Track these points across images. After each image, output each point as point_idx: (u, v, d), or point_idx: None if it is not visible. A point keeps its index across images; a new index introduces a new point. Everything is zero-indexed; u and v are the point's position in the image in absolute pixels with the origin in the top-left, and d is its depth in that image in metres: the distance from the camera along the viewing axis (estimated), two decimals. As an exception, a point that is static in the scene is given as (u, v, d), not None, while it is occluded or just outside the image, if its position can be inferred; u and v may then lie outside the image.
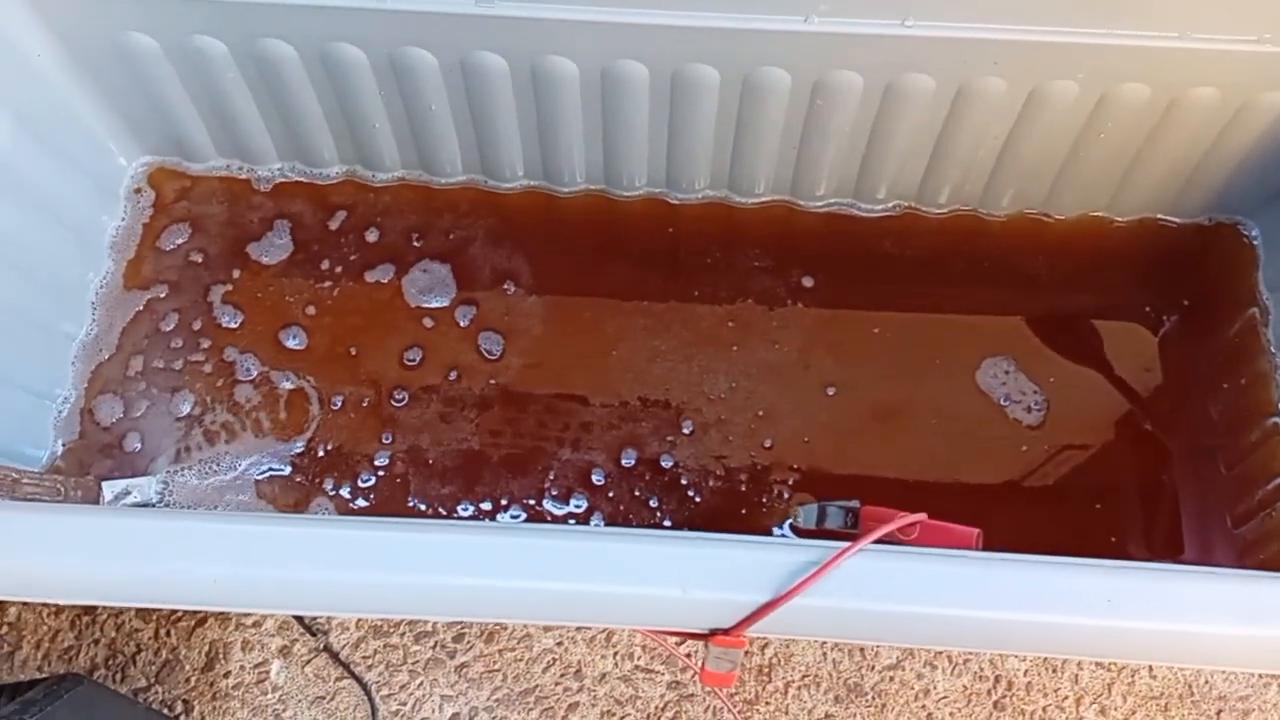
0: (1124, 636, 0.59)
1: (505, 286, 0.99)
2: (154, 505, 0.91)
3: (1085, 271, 1.02)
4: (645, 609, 0.60)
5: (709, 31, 0.85)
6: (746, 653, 0.94)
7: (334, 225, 1.04)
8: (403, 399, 0.95)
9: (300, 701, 1.00)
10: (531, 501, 0.92)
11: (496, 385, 0.96)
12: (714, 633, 0.61)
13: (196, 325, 0.99)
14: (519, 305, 0.99)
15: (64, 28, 0.90)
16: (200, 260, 1.02)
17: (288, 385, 0.96)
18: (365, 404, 0.95)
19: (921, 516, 0.69)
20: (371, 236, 1.03)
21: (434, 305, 0.99)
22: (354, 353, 0.97)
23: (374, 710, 0.99)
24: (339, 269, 1.02)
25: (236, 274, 1.02)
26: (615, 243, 1.03)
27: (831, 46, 0.86)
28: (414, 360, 0.97)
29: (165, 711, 0.99)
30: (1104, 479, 0.93)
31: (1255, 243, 1.02)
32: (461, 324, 0.98)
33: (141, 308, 1.00)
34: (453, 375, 0.96)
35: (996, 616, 0.59)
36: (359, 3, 0.86)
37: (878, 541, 0.61)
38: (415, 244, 1.02)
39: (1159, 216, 1.03)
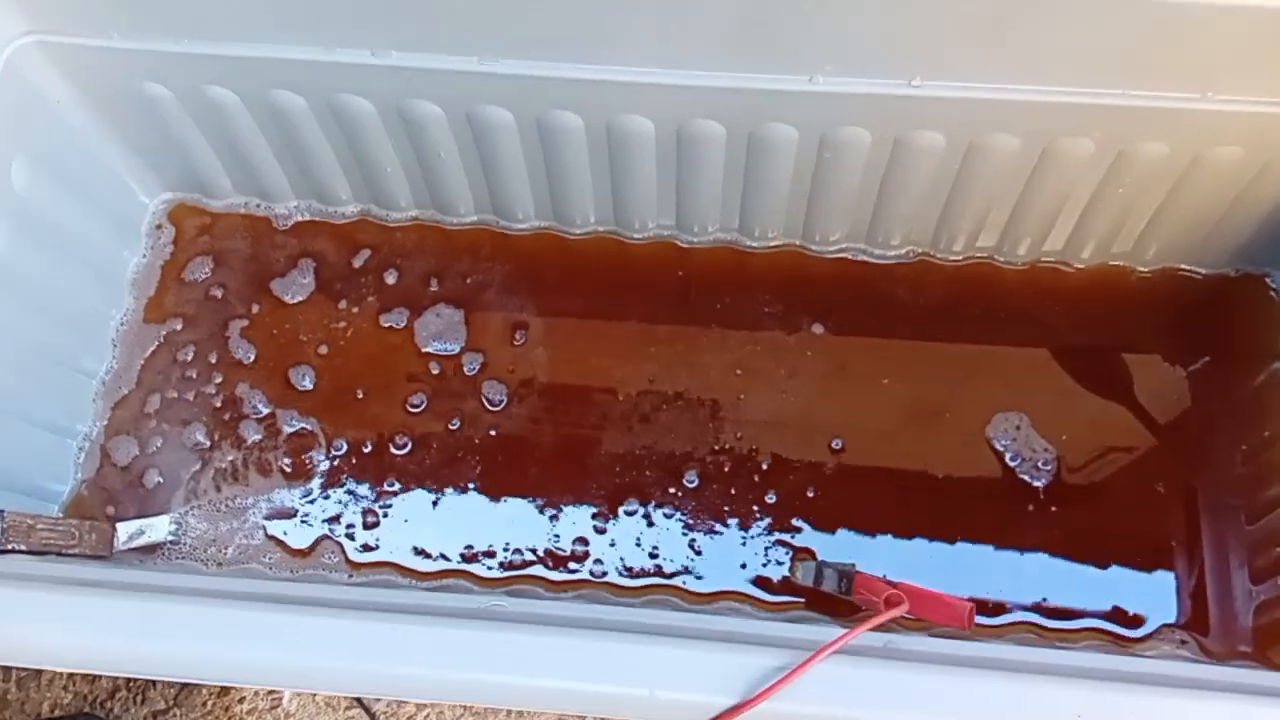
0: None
1: (516, 337, 1.00)
2: (166, 545, 0.94)
3: (1104, 322, 1.00)
4: (613, 706, 0.61)
5: (713, 90, 0.84)
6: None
7: (357, 264, 1.05)
8: (405, 445, 0.96)
9: (311, 729, 1.03)
10: (533, 549, 0.93)
11: (499, 434, 0.97)
12: (683, 729, 0.62)
13: (212, 358, 1.01)
14: (527, 355, 1.00)
15: (81, 77, 0.92)
16: (220, 295, 1.04)
17: (293, 427, 0.98)
18: (368, 449, 0.97)
19: (903, 608, 0.69)
20: (390, 278, 1.04)
21: (443, 352, 1.00)
22: (360, 396, 0.98)
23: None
24: (355, 309, 1.03)
25: (256, 309, 1.03)
26: (625, 285, 1.03)
27: (837, 105, 0.85)
28: (418, 406, 0.98)
29: (182, 738, 1.03)
30: (1115, 540, 0.92)
31: (1281, 296, 0.99)
32: (468, 371, 0.99)
33: (161, 341, 1.02)
34: (455, 424, 0.97)
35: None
36: (363, 59, 0.86)
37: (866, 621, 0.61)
38: (432, 288, 1.03)
39: (1182, 267, 1.01)
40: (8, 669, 1.05)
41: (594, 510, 0.93)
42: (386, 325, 1.02)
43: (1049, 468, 0.94)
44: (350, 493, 0.95)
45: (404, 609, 0.66)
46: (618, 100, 0.87)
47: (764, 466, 0.94)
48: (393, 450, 0.96)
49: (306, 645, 0.63)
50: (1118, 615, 0.90)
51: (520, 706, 0.63)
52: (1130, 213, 0.94)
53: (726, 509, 0.93)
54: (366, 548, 0.93)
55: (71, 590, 0.68)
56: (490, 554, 0.92)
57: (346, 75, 0.88)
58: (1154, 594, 0.91)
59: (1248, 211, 0.93)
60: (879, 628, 0.67)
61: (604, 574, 0.91)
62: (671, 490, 0.94)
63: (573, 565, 0.91)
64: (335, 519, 0.95)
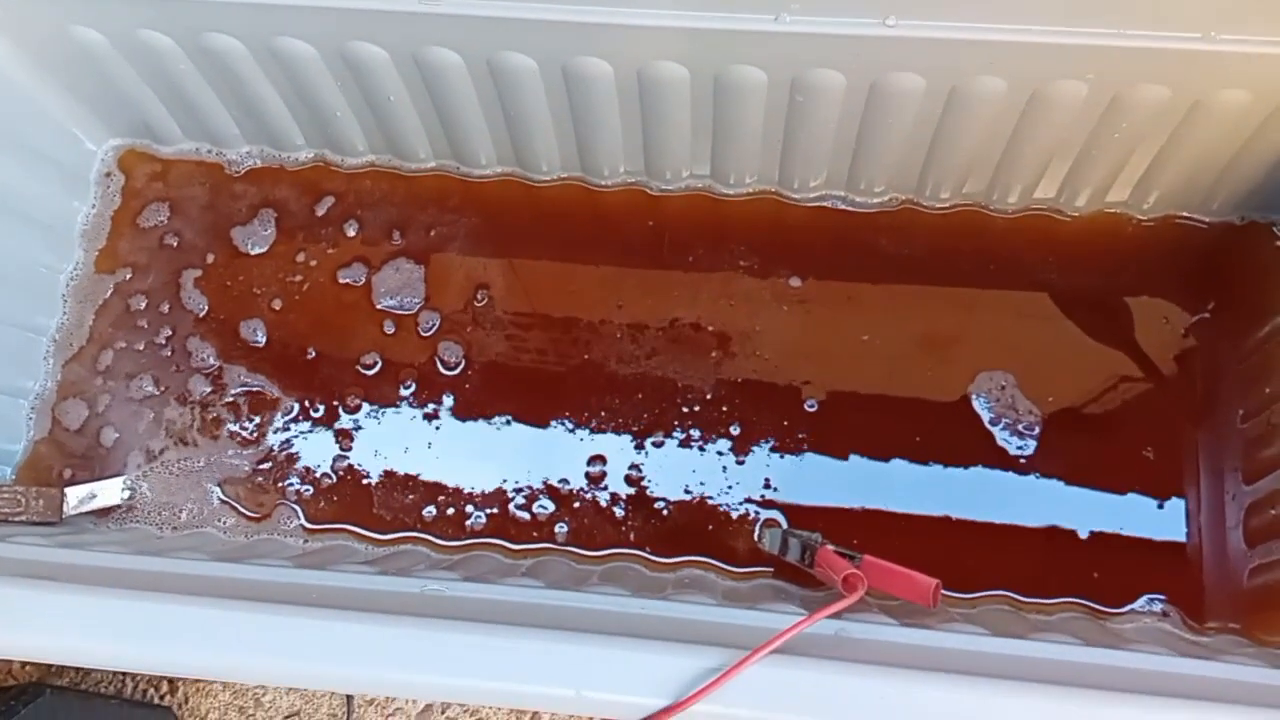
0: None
1: (477, 296, 0.95)
2: (119, 507, 0.91)
3: (1100, 273, 0.94)
4: (541, 703, 0.58)
5: (672, 31, 0.78)
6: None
7: (319, 213, 1.00)
8: (358, 405, 0.93)
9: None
10: (495, 511, 0.90)
11: (458, 396, 0.93)
12: (617, 727, 0.59)
13: (164, 309, 0.98)
14: (487, 312, 0.95)
15: (11, 25, 0.87)
16: (175, 244, 1.00)
17: (245, 385, 0.95)
18: (321, 411, 0.93)
19: (858, 596, 0.65)
20: (351, 230, 0.99)
21: (400, 310, 0.96)
22: (311, 356, 0.95)
23: (349, 699, 1.01)
24: (314, 262, 0.98)
25: (211, 258, 1.00)
26: (594, 236, 0.98)
27: (806, 45, 0.78)
28: (371, 368, 0.94)
29: (151, 691, 1.02)
30: (1101, 506, 0.87)
31: (1290, 245, 0.92)
32: (424, 332, 0.95)
33: (113, 291, 0.99)
34: (409, 386, 0.93)
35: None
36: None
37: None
38: (394, 241, 0.98)
39: (1183, 215, 0.94)
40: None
41: (557, 474, 0.90)
42: (345, 281, 0.97)
43: (1033, 430, 0.89)
44: (304, 455, 0.92)
45: (342, 595, 0.64)
46: (573, 42, 0.81)
47: (734, 430, 0.90)
48: (345, 411, 0.93)
49: (240, 642, 0.61)
50: (1098, 584, 0.86)
51: (446, 700, 0.60)
52: (1128, 159, 0.88)
53: (694, 471, 0.89)
54: (321, 512, 0.91)
55: (13, 583, 0.65)
56: (449, 520, 0.89)
57: (282, 17, 0.83)
58: (1140, 562, 0.87)
59: (1255, 158, 0.86)
60: (853, 607, 0.64)
61: (566, 539, 0.88)
62: (638, 451, 0.90)
63: (533, 531, 0.88)
64: (289, 482, 0.92)
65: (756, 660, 0.55)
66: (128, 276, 0.99)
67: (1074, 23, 0.75)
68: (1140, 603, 0.85)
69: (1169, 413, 0.91)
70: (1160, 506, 0.88)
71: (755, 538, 0.88)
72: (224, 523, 0.91)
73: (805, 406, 0.90)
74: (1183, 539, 0.88)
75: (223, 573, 0.70)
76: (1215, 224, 0.94)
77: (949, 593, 0.83)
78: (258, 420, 0.94)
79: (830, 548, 0.78)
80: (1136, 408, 0.91)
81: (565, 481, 0.90)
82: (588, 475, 0.90)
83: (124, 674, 1.03)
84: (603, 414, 0.92)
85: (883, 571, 0.74)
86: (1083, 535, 0.87)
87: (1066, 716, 0.54)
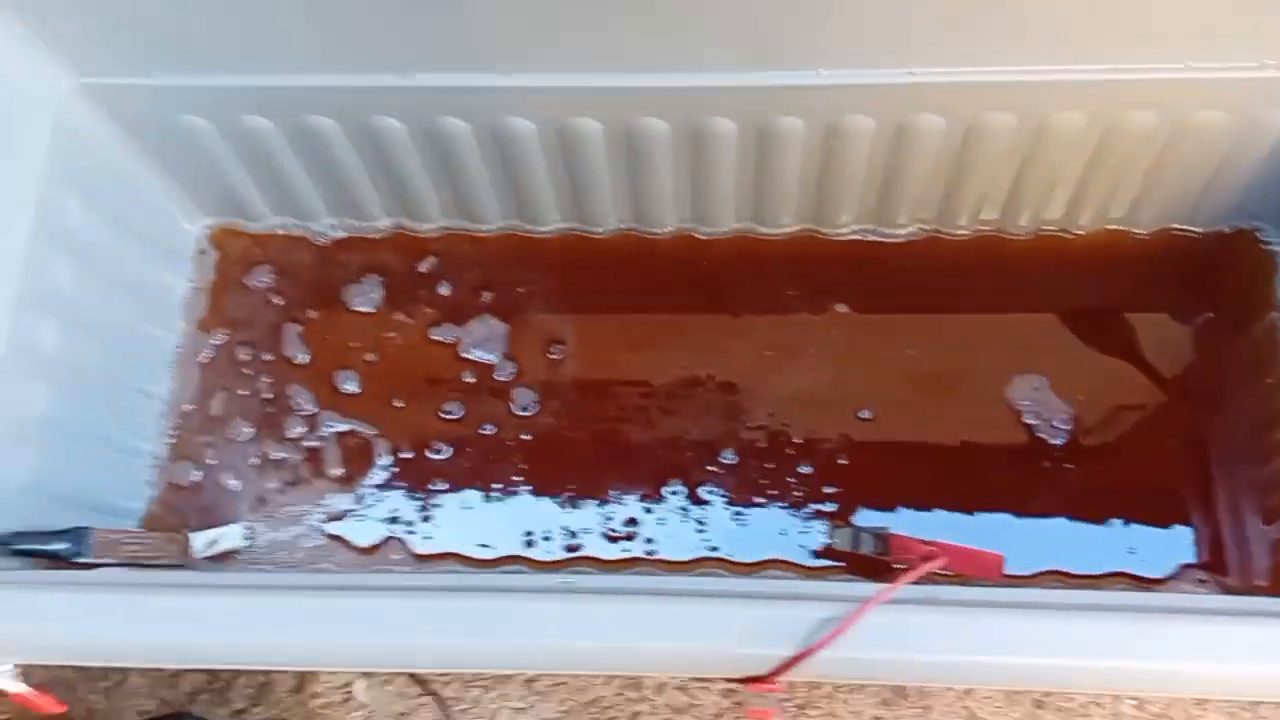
0: (1139, 676, 0.64)
1: (551, 347, 1.06)
2: (241, 550, 0.99)
3: (1108, 284, 1.05)
4: (686, 662, 0.66)
5: (724, 90, 0.90)
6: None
7: (412, 273, 1.11)
8: (447, 446, 1.02)
9: (384, 717, 1.09)
10: (586, 531, 0.98)
11: (544, 429, 1.02)
12: (750, 679, 0.67)
13: (267, 357, 1.07)
14: (562, 353, 1.05)
15: (126, 115, 0.97)
16: (281, 303, 1.10)
17: (340, 429, 1.03)
18: (412, 454, 1.03)
19: (942, 560, 0.74)
20: (444, 290, 1.09)
21: (483, 360, 1.05)
22: (400, 405, 1.04)
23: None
24: (410, 321, 1.08)
25: (313, 315, 1.09)
26: (649, 278, 1.09)
27: (840, 96, 0.90)
28: (451, 414, 1.04)
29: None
30: (1128, 492, 0.97)
31: (1275, 249, 1.04)
32: (501, 378, 1.05)
33: (213, 353, 1.08)
34: (488, 429, 1.03)
35: (1017, 662, 0.64)
36: (391, 81, 0.91)
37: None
38: (483, 298, 1.08)
39: (1177, 226, 1.06)
40: (93, 682, 1.11)
41: (639, 493, 0.99)
42: (436, 339, 1.07)
43: (1067, 426, 0.99)
44: (402, 493, 1.01)
45: (477, 589, 0.72)
46: (635, 105, 0.92)
47: (797, 440, 1.00)
48: (439, 453, 1.02)
49: (384, 625, 0.68)
50: (1139, 562, 0.95)
51: (594, 671, 0.68)
52: (1124, 179, 1.00)
53: (764, 482, 0.99)
54: (426, 543, 0.99)
55: (157, 591, 0.73)
56: (545, 540, 0.98)
57: (377, 97, 0.94)
58: (1173, 540, 0.96)
59: (1236, 170, 0.98)
60: (919, 581, 0.72)
61: (654, 552, 0.97)
62: (711, 469, 0.99)
63: (624, 545, 0.97)
64: (393, 518, 1.00)
65: (875, 607, 0.64)
66: (233, 334, 1.09)
67: (1070, 61, 0.87)
68: (1180, 573, 0.94)
69: (1184, 407, 1.01)
70: (1187, 490, 0.98)
71: (827, 537, 0.96)
72: (337, 559, 0.99)
73: (859, 416, 1.00)
74: (1210, 520, 0.97)
75: (357, 580, 0.78)
76: (1207, 233, 1.05)
77: (1006, 574, 0.91)
78: (357, 463, 1.02)
79: (901, 535, 0.88)
80: (1154, 405, 1.01)
81: (647, 500, 0.99)
82: (667, 493, 0.99)
83: (244, 708, 1.09)
84: (675, 439, 1.01)
85: (952, 551, 0.83)
86: (1120, 520, 0.96)
87: (1146, 634, 0.63)
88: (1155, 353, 1.03)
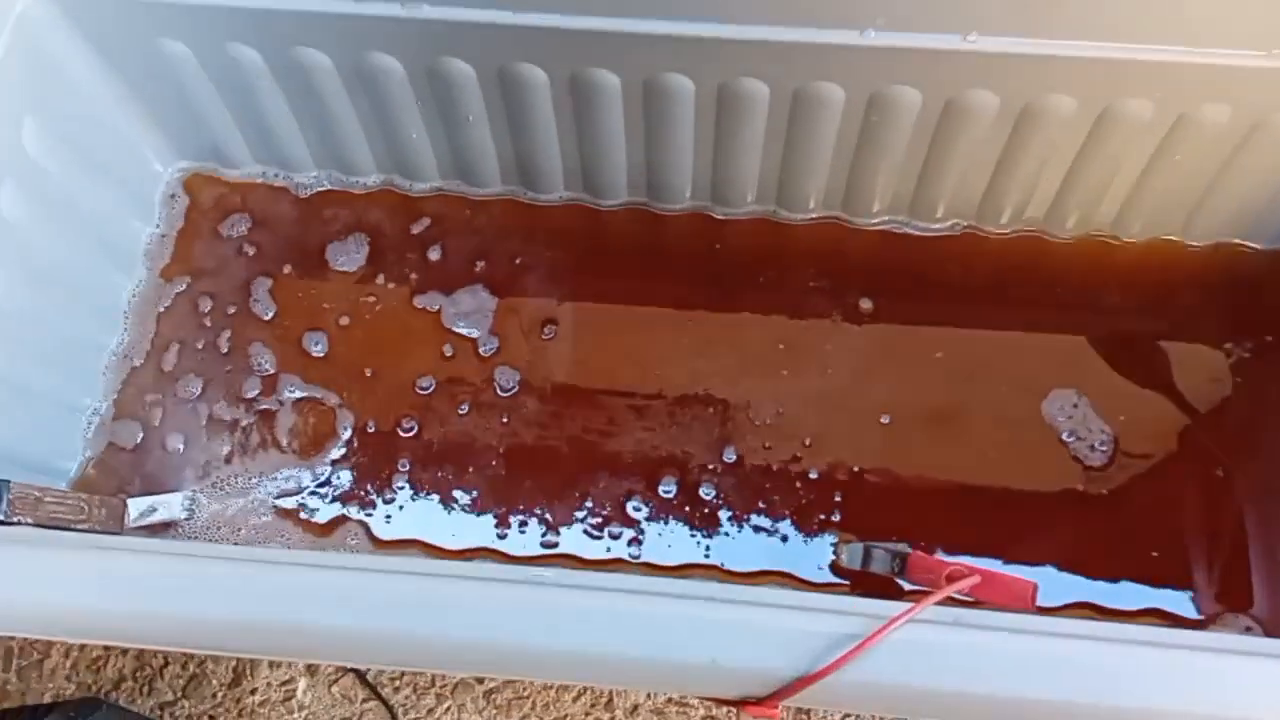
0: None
1: (544, 326, 0.96)
2: (180, 523, 0.89)
3: (1158, 298, 0.96)
4: (671, 676, 0.56)
5: (758, 45, 0.81)
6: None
7: (415, 231, 1.01)
8: (411, 428, 0.92)
9: (326, 722, 0.98)
10: (566, 525, 0.88)
11: (521, 414, 0.92)
12: (745, 701, 0.57)
13: (231, 310, 0.98)
14: (557, 333, 0.96)
15: (97, 34, 0.88)
16: (252, 253, 1.00)
17: (300, 395, 0.94)
18: (377, 429, 0.92)
19: (975, 579, 0.64)
20: (434, 255, 1.00)
21: (467, 334, 0.96)
22: (369, 374, 0.94)
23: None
24: (392, 286, 0.98)
25: (288, 270, 1.00)
26: (658, 259, 0.99)
27: (889, 61, 0.81)
28: (427, 389, 0.94)
29: (197, 725, 0.98)
30: (1169, 524, 0.87)
31: (1343, 270, 0.95)
32: (485, 353, 0.95)
33: (172, 302, 0.98)
34: (465, 407, 0.93)
35: (1057, 699, 0.54)
36: (393, 11, 0.83)
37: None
38: (476, 268, 0.99)
39: (1237, 241, 0.97)
40: (8, 658, 1.00)
41: (628, 488, 0.89)
42: (420, 306, 0.97)
43: (1106, 449, 0.89)
44: (365, 471, 0.91)
45: (441, 574, 0.62)
46: (658, 56, 0.83)
47: (807, 442, 0.90)
48: (409, 431, 0.92)
49: (336, 603, 0.59)
50: (1176, 599, 0.85)
51: (561, 679, 0.58)
52: (1186, 183, 0.91)
53: (768, 486, 0.89)
54: (387, 527, 0.89)
55: (82, 551, 0.64)
56: (521, 532, 0.88)
57: (375, 30, 0.85)
58: (1213, 578, 0.86)
59: (1308, 181, 0.89)
60: (944, 603, 0.63)
61: (639, 555, 0.87)
62: (710, 466, 0.89)
63: (608, 543, 0.87)
64: (352, 496, 0.90)
65: (902, 623, 0.54)
66: (197, 283, 0.99)
67: (1145, 39, 0.78)
68: (1222, 616, 0.84)
69: (1230, 436, 0.91)
70: (1229, 527, 0.88)
71: (833, 554, 0.86)
72: (287, 538, 0.89)
73: (880, 421, 0.91)
74: (1255, 560, 0.87)
75: (309, 558, 0.68)
76: (1267, 250, 0.97)
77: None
78: (317, 434, 0.92)
79: (921, 553, 0.78)
80: (1198, 431, 0.92)
81: (636, 496, 0.89)
82: (659, 490, 0.89)
83: (173, 699, 0.98)
84: (673, 429, 0.91)
85: (980, 573, 0.73)
86: (1158, 552, 0.87)
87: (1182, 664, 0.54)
88: (1203, 376, 0.93)
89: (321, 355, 0.95)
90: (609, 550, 0.87)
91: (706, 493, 0.89)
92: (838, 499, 0.88)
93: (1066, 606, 0.83)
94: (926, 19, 0.78)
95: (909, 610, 0.55)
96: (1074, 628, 0.60)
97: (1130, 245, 0.98)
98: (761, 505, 0.88)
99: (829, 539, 0.87)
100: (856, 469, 0.89)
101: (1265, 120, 0.83)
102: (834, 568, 0.86)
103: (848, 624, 0.55)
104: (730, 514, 0.88)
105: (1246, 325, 0.95)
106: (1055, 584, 0.84)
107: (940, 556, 0.77)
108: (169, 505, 0.89)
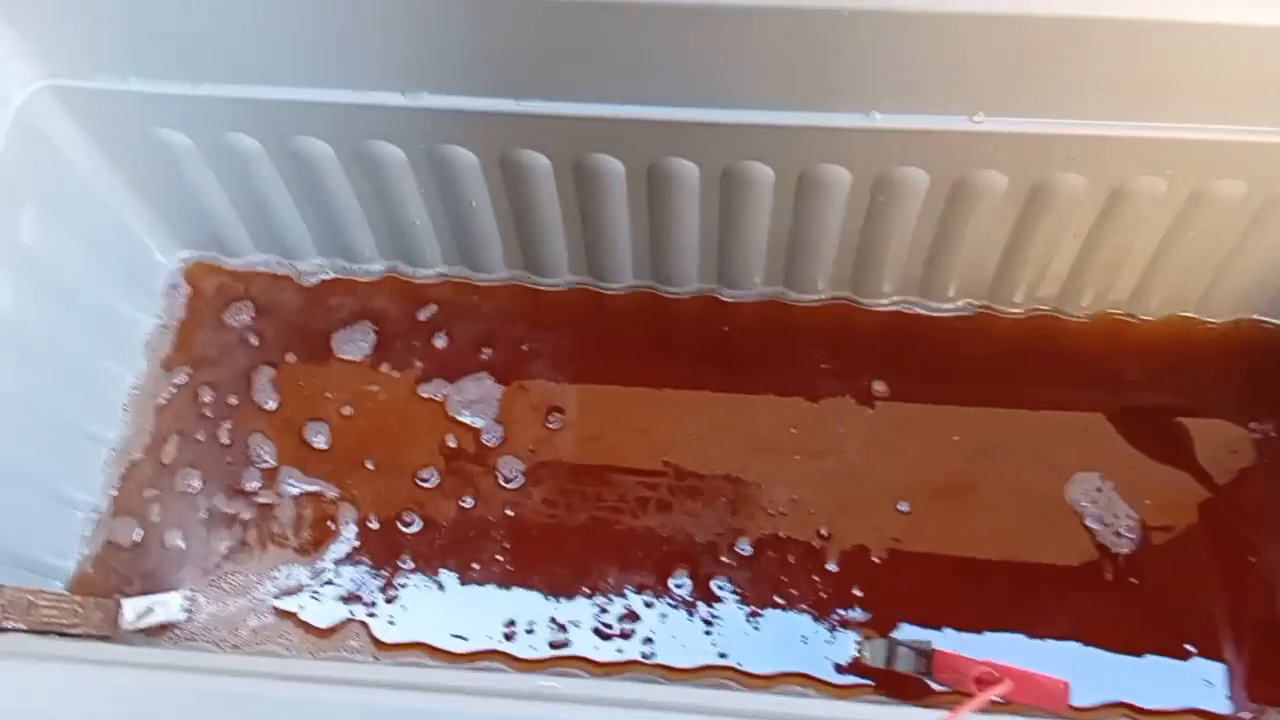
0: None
1: (550, 417, 0.94)
2: (179, 625, 0.86)
3: (1177, 377, 0.94)
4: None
5: (762, 129, 0.80)
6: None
7: (412, 323, 1.00)
8: (413, 523, 0.90)
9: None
10: (576, 624, 0.85)
11: (527, 507, 0.90)
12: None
13: (233, 400, 0.96)
14: (563, 420, 0.94)
15: (96, 123, 0.88)
16: (258, 344, 0.99)
17: (300, 489, 0.92)
18: (379, 525, 0.90)
19: (1008, 685, 0.61)
20: (440, 342, 0.98)
21: (472, 423, 0.94)
22: (371, 466, 0.92)
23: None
24: (396, 374, 0.97)
25: (291, 359, 0.98)
26: (666, 343, 0.98)
27: (895, 143, 0.80)
28: (427, 482, 0.92)
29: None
30: (1202, 612, 0.84)
31: (1365, 346, 0.93)
32: (489, 442, 0.93)
33: (172, 393, 0.97)
34: (469, 502, 0.90)
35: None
36: (394, 101, 0.82)
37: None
38: (482, 355, 0.97)
39: (1255, 317, 0.95)
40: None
41: (639, 584, 0.86)
42: (426, 396, 0.95)
43: (1133, 535, 0.86)
44: (367, 568, 0.88)
45: (444, 688, 0.59)
46: (662, 141, 0.83)
47: (824, 532, 0.87)
48: (410, 525, 0.90)
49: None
50: (1215, 697, 0.81)
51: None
52: (1201, 260, 0.89)
53: (784, 579, 0.86)
54: (390, 628, 0.86)
55: (75, 666, 0.61)
56: (529, 632, 0.84)
57: (376, 119, 0.84)
58: (1253, 674, 0.82)
59: (1329, 255, 0.87)
60: (980, 709, 0.60)
61: (653, 654, 0.83)
62: (724, 560, 0.86)
63: (619, 644, 0.84)
64: (354, 596, 0.87)
65: (928, 739, 0.51)
66: (197, 373, 0.98)
67: (1153, 117, 0.77)
68: (1265, 716, 0.81)
69: (1260, 521, 0.88)
70: (1266, 617, 0.85)
71: (856, 651, 0.83)
72: (287, 640, 0.86)
73: (897, 508, 0.88)
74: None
75: (308, 669, 0.65)
76: (1287, 326, 0.95)
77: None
78: (317, 530, 0.90)
79: (948, 651, 0.75)
80: (1228, 516, 0.89)
81: (648, 591, 0.86)
82: (672, 586, 0.86)
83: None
84: (684, 518, 0.89)
85: (1009, 674, 0.70)
86: (1194, 645, 0.83)
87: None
88: (1228, 457, 0.91)
89: (324, 447, 0.93)
90: (620, 651, 0.83)
91: (720, 587, 0.86)
92: (857, 593, 0.85)
93: (1101, 707, 0.79)
94: (932, 101, 0.77)
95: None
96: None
97: (1147, 323, 0.96)
98: (778, 600, 0.85)
99: (851, 635, 0.83)
100: (876, 559, 0.86)
101: (1278, 195, 0.81)
102: (856, 666, 0.82)
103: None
104: (746, 610, 0.85)
105: (1269, 403, 0.92)
106: (1087, 679, 0.80)
107: (965, 654, 0.73)
108: (166, 606, 0.86)
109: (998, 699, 0.65)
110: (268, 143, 0.89)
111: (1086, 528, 0.86)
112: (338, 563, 0.88)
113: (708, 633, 0.84)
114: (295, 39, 0.79)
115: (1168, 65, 0.72)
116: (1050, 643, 0.82)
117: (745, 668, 0.82)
